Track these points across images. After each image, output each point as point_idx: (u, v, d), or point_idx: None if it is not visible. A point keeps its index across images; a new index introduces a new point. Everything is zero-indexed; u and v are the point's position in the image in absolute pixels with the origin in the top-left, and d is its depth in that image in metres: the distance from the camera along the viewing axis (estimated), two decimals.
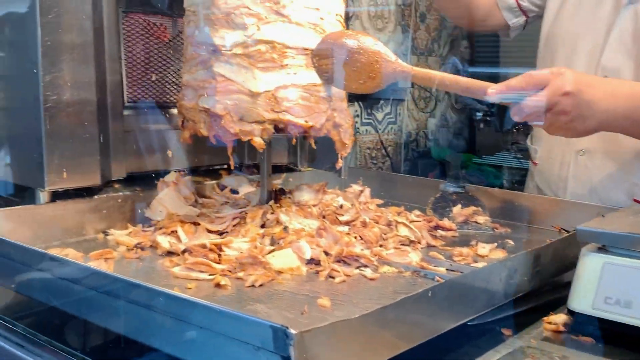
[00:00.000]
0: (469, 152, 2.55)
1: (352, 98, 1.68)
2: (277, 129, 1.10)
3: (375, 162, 2.30)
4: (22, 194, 1.17)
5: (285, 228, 1.06)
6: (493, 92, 1.04)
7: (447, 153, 2.51)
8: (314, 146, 1.17)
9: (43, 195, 1.10)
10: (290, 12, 1.09)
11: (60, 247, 1.06)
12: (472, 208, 1.34)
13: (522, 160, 2.28)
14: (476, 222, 1.30)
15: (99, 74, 1.18)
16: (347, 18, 2.19)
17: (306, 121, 1.11)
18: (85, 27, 1.15)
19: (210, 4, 1.07)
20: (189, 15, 1.13)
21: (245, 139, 1.08)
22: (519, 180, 2.28)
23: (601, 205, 1.26)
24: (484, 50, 2.67)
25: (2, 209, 1.06)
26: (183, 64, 1.16)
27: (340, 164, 1.25)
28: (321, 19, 1.13)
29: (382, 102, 2.28)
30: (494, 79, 2.41)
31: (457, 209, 1.34)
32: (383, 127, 2.33)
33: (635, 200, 1.37)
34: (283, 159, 1.54)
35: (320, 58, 1.09)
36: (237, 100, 1.06)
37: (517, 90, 1.04)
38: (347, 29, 1.22)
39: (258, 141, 1.08)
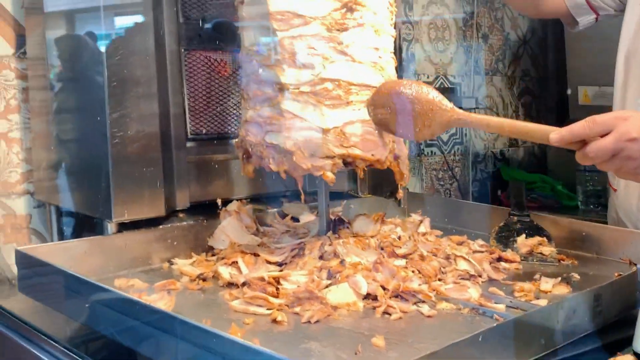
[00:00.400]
0: (541, 172, 2.47)
1: None
2: (345, 163, 1.13)
3: (442, 183, 2.27)
4: (91, 224, 1.22)
5: (342, 261, 1.07)
6: (555, 138, 1.00)
7: (518, 173, 2.45)
8: (361, 176, 1.19)
9: (111, 226, 1.15)
10: (353, 51, 1.12)
11: (127, 278, 1.10)
12: (537, 238, 1.30)
13: (599, 182, 2.18)
14: (541, 253, 1.26)
15: (162, 108, 1.23)
16: (408, 43, 2.20)
17: (372, 155, 1.14)
18: (149, 66, 1.20)
19: (276, 44, 1.10)
20: (251, 54, 1.16)
21: (317, 174, 1.10)
22: (595, 203, 2.20)
23: None
24: (550, 68, 2.59)
25: (72, 240, 1.11)
26: (244, 100, 1.18)
27: (400, 194, 1.26)
28: (379, 57, 1.17)
29: None
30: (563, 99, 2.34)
31: (521, 239, 1.31)
32: (449, 148, 2.31)
33: None
34: (343, 186, 1.54)
35: (376, 107, 1.12)
36: (307, 136, 1.09)
37: (580, 136, 1.00)
38: (399, 76, 1.23)
39: (330, 176, 1.10)
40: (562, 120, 2.50)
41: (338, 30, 1.11)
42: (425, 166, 2.22)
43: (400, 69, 2.15)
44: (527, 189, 2.29)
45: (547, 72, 2.66)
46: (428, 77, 2.27)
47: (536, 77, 2.75)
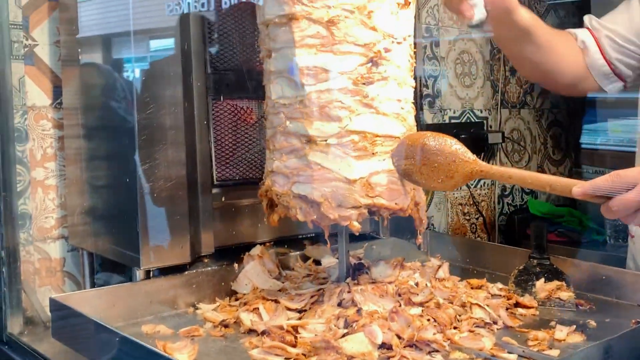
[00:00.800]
0: (570, 205, 2.46)
1: None
2: (370, 212, 1.16)
3: (468, 218, 2.28)
4: (122, 267, 1.28)
5: (359, 310, 1.10)
6: (578, 192, 1.00)
7: (546, 206, 2.44)
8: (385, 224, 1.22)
9: (139, 273, 1.20)
10: (378, 104, 1.15)
11: (154, 323, 1.15)
12: (556, 283, 1.32)
13: None
14: (559, 298, 1.27)
15: (189, 156, 1.29)
16: (434, 79, 2.23)
17: (396, 204, 1.17)
18: (178, 118, 1.26)
19: (304, 98, 1.13)
20: (278, 107, 1.18)
21: (344, 224, 1.14)
22: (624, 238, 2.18)
23: None
24: (579, 100, 2.59)
25: (102, 288, 1.17)
26: (269, 151, 1.22)
27: (420, 240, 1.29)
28: (402, 108, 1.20)
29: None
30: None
31: (540, 283, 1.32)
32: (474, 182, 2.32)
33: None
34: (366, 228, 1.57)
35: (400, 158, 1.14)
36: (334, 187, 1.12)
37: (604, 190, 1.00)
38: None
39: (357, 226, 1.14)
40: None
41: (364, 83, 1.14)
42: (450, 201, 2.24)
43: (425, 105, 2.18)
44: (555, 223, 2.28)
45: (577, 103, 2.65)
46: (454, 112, 2.29)
47: (565, 109, 2.74)
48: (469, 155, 1.11)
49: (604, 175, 1.01)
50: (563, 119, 2.74)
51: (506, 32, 1.40)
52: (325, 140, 1.13)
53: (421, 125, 2.18)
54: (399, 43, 1.20)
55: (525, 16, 1.37)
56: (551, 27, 1.48)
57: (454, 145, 1.11)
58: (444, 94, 2.26)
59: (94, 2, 1.40)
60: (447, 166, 1.10)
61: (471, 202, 2.27)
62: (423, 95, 2.23)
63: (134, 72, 1.29)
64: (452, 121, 2.27)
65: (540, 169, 2.58)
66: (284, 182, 1.17)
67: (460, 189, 2.27)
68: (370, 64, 1.15)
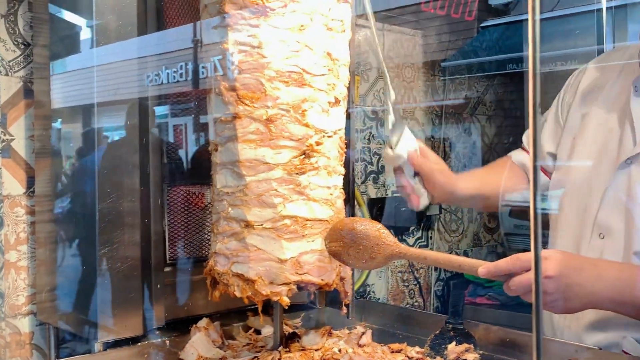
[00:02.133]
0: None
1: None
2: (299, 287, 1.32)
3: (407, 284, 2.47)
4: (83, 340, 1.46)
5: None
6: (483, 272, 1.15)
7: None
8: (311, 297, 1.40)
9: (97, 345, 1.38)
10: (309, 191, 1.31)
11: None
12: (465, 345, 1.51)
13: None
14: (465, 359, 1.46)
15: (144, 238, 1.47)
16: (378, 156, 2.45)
17: (322, 279, 1.34)
18: (135, 204, 1.45)
19: (244, 187, 1.29)
20: (222, 195, 1.34)
21: (275, 299, 1.29)
22: None
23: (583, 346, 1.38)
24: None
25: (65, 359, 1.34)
26: (214, 234, 1.39)
27: (344, 311, 1.48)
28: (331, 194, 1.37)
29: (412, 227, 2.48)
30: None
31: (451, 346, 1.50)
32: None
33: (623, 352, 1.40)
34: (303, 298, 1.76)
35: (331, 241, 1.32)
36: (267, 266, 1.28)
37: (505, 272, 1.15)
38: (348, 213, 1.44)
39: (286, 300, 1.30)
40: None
41: (297, 173, 1.30)
42: (391, 269, 2.44)
43: (370, 180, 2.39)
44: (487, 287, 2.49)
45: None
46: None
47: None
48: (391, 238, 1.28)
49: (506, 258, 1.17)
50: None
51: (455, 203, 1.60)
52: (262, 225, 1.29)
53: (365, 200, 2.40)
54: (329, 137, 1.37)
55: (467, 186, 1.57)
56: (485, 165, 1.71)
57: (378, 230, 1.28)
58: (387, 170, 2.49)
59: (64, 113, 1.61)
60: (371, 249, 1.28)
61: (410, 270, 2.48)
62: (368, 172, 2.45)
63: (96, 164, 1.47)
64: (394, 195, 2.49)
65: (476, 237, 2.80)
66: (225, 262, 1.34)
67: None
68: (303, 156, 1.31)
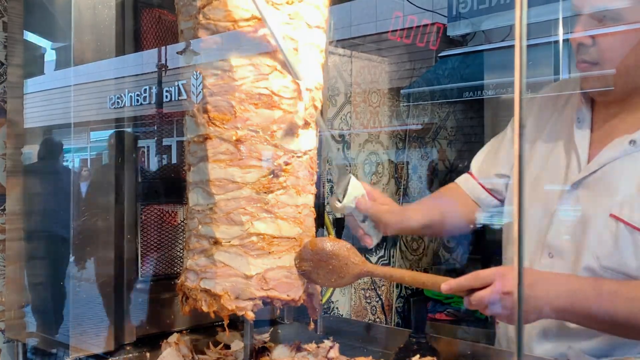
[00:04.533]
0: None
1: None
2: (265, 303, 1.34)
3: (369, 301, 2.53)
4: (53, 357, 1.47)
5: None
6: (445, 288, 1.23)
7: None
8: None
9: None
10: (277, 209, 1.33)
11: None
12: (429, 358, 1.56)
13: None
14: None
15: (117, 255, 1.49)
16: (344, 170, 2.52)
17: (288, 295, 1.36)
18: (109, 222, 1.47)
19: (214, 205, 1.31)
20: (194, 213, 1.37)
21: (240, 314, 1.32)
22: None
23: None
24: None
25: None
26: (186, 251, 1.41)
27: (312, 326, 1.52)
28: (299, 212, 1.39)
29: (374, 247, 2.55)
30: None
31: (416, 358, 1.56)
32: None
33: None
34: (273, 314, 1.80)
35: (301, 260, 1.36)
36: (233, 282, 1.31)
37: (466, 287, 1.22)
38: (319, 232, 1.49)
39: (250, 315, 1.32)
40: None
41: (265, 192, 1.32)
42: (354, 286, 2.50)
43: None
44: (445, 304, 2.56)
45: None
46: None
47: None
48: (359, 257, 1.34)
49: (466, 274, 1.23)
50: None
51: (408, 233, 1.66)
52: (229, 242, 1.32)
53: (331, 219, 2.45)
54: (299, 157, 1.39)
55: (416, 218, 1.64)
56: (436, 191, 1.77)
57: (347, 249, 1.34)
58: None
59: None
60: (340, 268, 1.33)
61: (372, 287, 2.54)
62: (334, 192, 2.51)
63: (71, 183, 1.49)
64: None
65: (436, 256, 2.88)
66: (194, 278, 1.36)
67: None
68: (271, 175, 1.33)
